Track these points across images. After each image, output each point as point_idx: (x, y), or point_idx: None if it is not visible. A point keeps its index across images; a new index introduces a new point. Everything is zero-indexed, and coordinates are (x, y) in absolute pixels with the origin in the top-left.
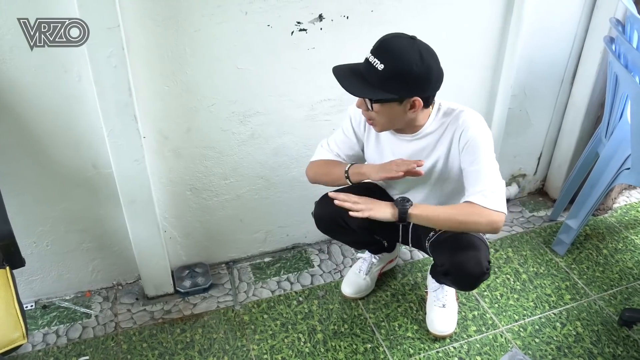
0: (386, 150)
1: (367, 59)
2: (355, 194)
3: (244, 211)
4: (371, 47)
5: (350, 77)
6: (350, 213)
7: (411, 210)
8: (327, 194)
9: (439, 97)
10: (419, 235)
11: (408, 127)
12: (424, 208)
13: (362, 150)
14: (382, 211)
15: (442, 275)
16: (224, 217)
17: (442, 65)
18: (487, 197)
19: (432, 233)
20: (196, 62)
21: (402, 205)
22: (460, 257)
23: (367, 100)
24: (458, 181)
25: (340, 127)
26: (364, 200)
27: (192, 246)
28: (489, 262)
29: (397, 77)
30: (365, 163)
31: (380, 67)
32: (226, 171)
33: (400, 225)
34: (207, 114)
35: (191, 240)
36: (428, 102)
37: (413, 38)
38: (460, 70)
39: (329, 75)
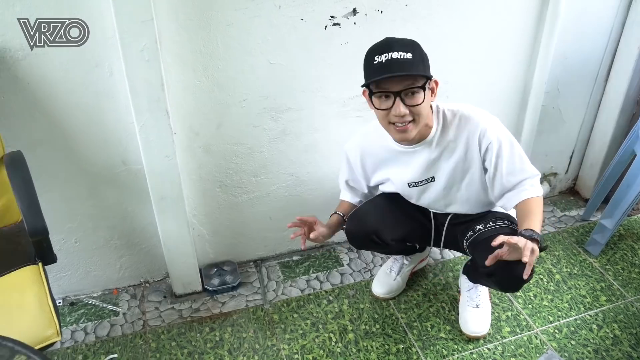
0: (409, 165)
1: (390, 58)
2: (387, 209)
3: (273, 209)
4: (384, 53)
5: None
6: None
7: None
8: (358, 210)
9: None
10: (455, 236)
11: (423, 129)
12: (535, 227)
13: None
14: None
15: (485, 276)
16: (253, 214)
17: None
18: (536, 186)
19: (470, 233)
20: (228, 56)
21: (534, 238)
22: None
23: (413, 95)
24: (479, 181)
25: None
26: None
27: (220, 244)
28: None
29: (422, 60)
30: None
31: (409, 55)
32: (256, 168)
33: (433, 230)
34: (238, 110)
35: (219, 237)
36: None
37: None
38: (493, 65)
39: (361, 70)
